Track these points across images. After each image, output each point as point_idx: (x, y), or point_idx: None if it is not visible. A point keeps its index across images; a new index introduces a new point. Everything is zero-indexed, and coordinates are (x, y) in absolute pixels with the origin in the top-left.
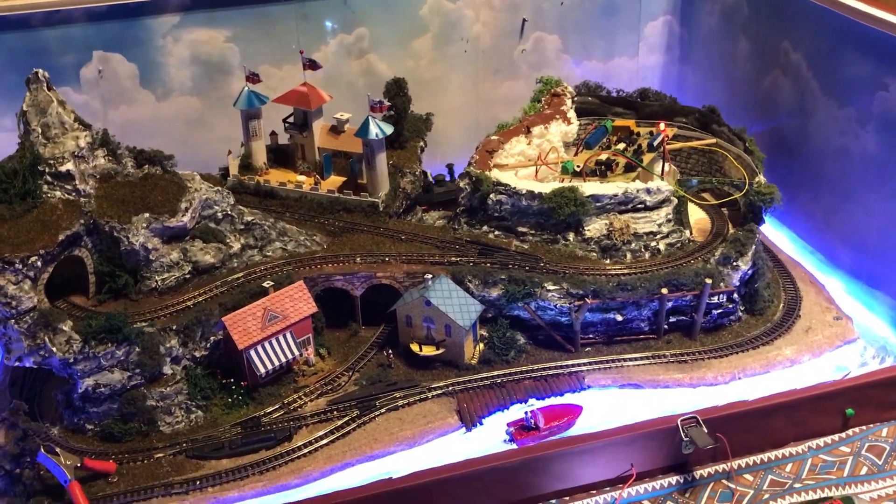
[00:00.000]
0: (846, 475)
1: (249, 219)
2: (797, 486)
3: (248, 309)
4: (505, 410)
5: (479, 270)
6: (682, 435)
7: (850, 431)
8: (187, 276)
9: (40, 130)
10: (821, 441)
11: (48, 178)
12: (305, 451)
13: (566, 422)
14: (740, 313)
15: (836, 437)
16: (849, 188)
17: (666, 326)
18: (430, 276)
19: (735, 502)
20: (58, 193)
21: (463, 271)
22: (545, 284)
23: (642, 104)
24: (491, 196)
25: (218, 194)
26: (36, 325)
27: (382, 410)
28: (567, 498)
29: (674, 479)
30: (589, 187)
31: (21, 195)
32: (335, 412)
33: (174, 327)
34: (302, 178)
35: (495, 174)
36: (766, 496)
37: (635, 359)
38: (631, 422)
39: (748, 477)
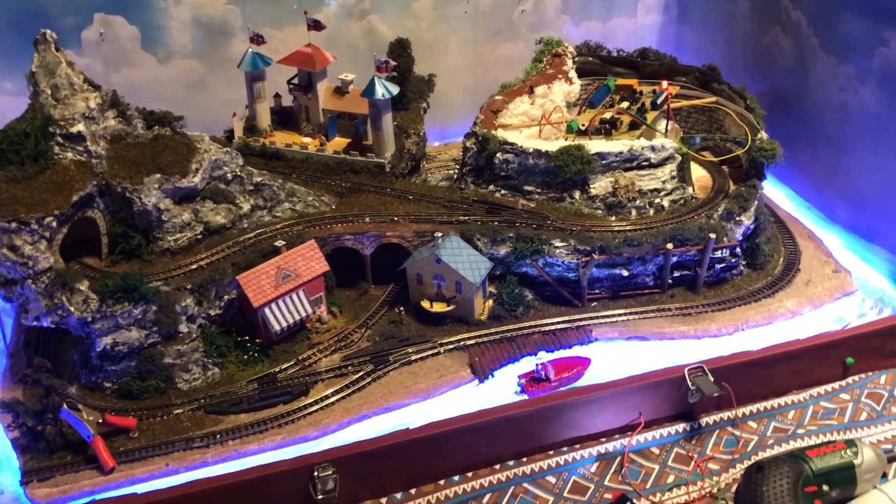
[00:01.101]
0: (847, 421)
1: (258, 180)
2: (800, 431)
3: (262, 268)
4: (515, 363)
5: (488, 228)
6: (689, 384)
7: (849, 379)
8: (199, 236)
9: (50, 92)
10: (821, 389)
11: (59, 139)
12: (322, 404)
13: (575, 373)
14: (742, 267)
15: (836, 385)
16: (847, 144)
17: (670, 281)
18: (440, 234)
19: (740, 447)
20: (69, 155)
21: (471, 229)
22: (553, 241)
23: (642, 63)
24: (497, 155)
25: (227, 155)
26: (53, 285)
27: (396, 365)
28: (577, 446)
29: (681, 427)
30: (595, 145)
31: (33, 157)
32: (350, 367)
33: (189, 286)
34: (307, 139)
35: (501, 134)
36: (771, 441)
37: (641, 312)
38: (638, 372)
39: (752, 424)
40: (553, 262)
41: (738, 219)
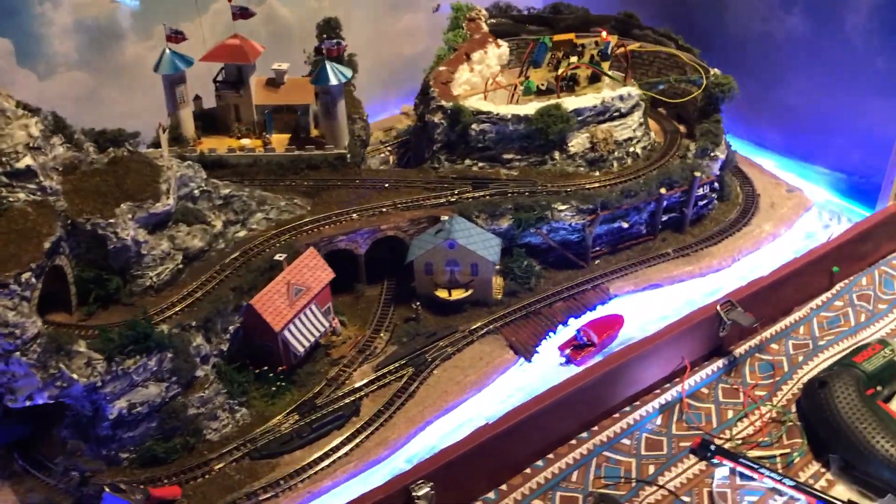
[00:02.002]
0: (853, 325)
1: (226, 192)
2: (821, 343)
3: (272, 287)
4: (552, 334)
5: (483, 204)
6: (724, 319)
7: (836, 288)
8: (180, 266)
9: None
10: (818, 301)
11: (3, 178)
12: (381, 420)
13: (615, 332)
14: (715, 201)
15: (827, 295)
16: (776, 73)
17: (659, 227)
18: (445, 217)
19: (776, 370)
20: (21, 195)
21: (469, 208)
22: (555, 206)
23: (556, 19)
24: (473, 126)
25: (190, 169)
26: (45, 352)
27: (436, 362)
28: (637, 403)
29: (718, 364)
30: (569, 102)
31: None
32: (388, 375)
33: (193, 323)
34: (246, 141)
35: (470, 104)
36: (800, 359)
37: (646, 261)
38: (666, 317)
39: (774, 346)
40: (558, 227)
41: (713, 154)
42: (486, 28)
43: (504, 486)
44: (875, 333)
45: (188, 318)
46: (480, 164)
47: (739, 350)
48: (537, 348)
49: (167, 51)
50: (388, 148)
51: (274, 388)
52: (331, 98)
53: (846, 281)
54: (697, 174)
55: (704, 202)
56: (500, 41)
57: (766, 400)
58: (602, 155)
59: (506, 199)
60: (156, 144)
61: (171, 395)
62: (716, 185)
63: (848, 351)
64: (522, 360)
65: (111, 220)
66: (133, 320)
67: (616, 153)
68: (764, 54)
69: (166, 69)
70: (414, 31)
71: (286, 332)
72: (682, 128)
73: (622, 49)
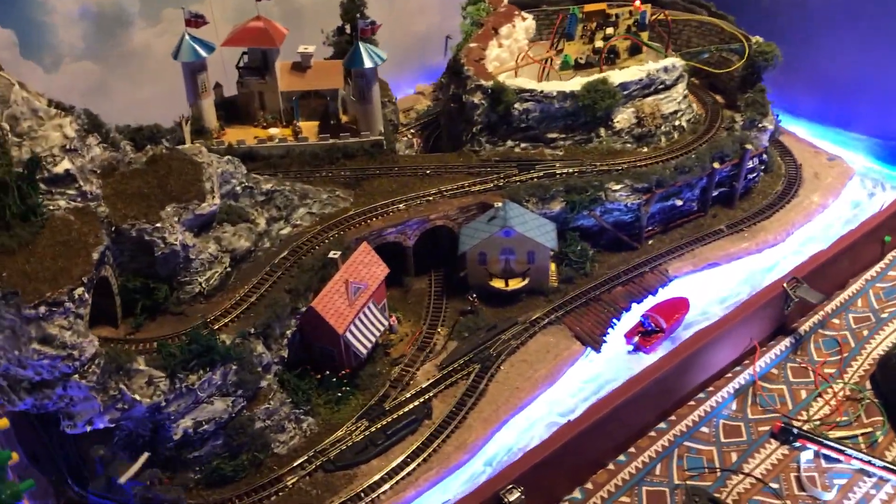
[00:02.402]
0: None
1: (268, 187)
2: (883, 315)
3: (331, 287)
4: (616, 322)
5: (533, 187)
6: (791, 296)
7: (888, 258)
8: (228, 269)
9: (7, 126)
10: (871, 272)
11: (41, 185)
12: (455, 422)
13: (681, 316)
14: (761, 173)
15: (879, 266)
16: (808, 35)
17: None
18: (499, 204)
19: (842, 347)
20: (61, 202)
21: (518, 192)
22: (608, 186)
23: None
24: (516, 106)
25: (230, 164)
26: (104, 373)
27: (502, 357)
28: (711, 388)
29: (785, 343)
30: (614, 76)
31: (21, 215)
32: (454, 373)
33: (252, 330)
34: (275, 130)
35: (515, 81)
36: (865, 333)
37: (702, 239)
38: (727, 297)
39: (835, 321)
40: (613, 208)
41: (761, 125)
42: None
43: (589, 485)
44: None
45: (246, 325)
46: (523, 145)
47: (804, 327)
48: (605, 337)
49: (187, 36)
50: (411, 130)
51: (339, 394)
52: (365, 82)
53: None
54: (748, 146)
55: (753, 175)
56: (524, 14)
57: (837, 377)
58: (650, 130)
59: (555, 181)
60: (177, 138)
61: (237, 409)
62: (764, 157)
63: None
64: (590, 350)
65: (157, 225)
66: (194, 332)
67: (663, 127)
68: (796, 16)
69: (187, 56)
70: (425, 7)
71: (348, 334)
72: (719, 98)
73: (661, 17)
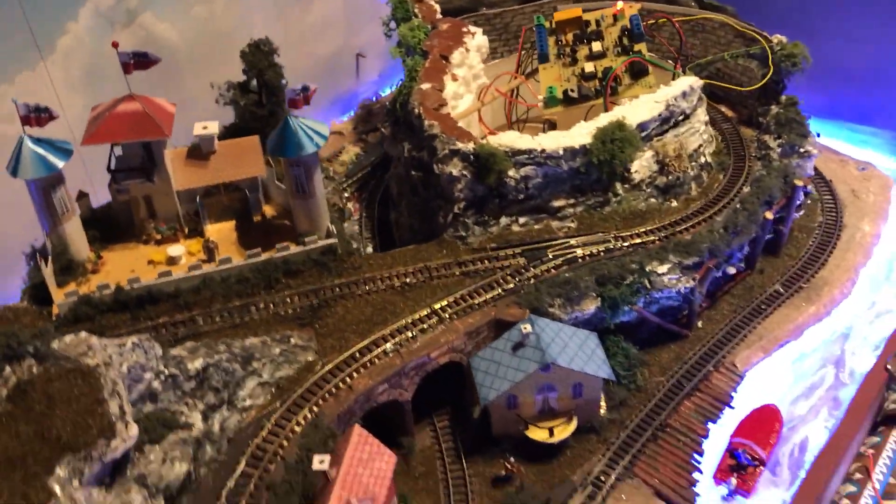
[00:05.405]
0: None
1: (195, 365)
2: None
3: None
4: (700, 459)
5: (555, 285)
6: None
7: None
8: None
9: None
10: None
11: None
12: None
13: (777, 434)
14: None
15: None
16: (816, 24)
17: None
18: (526, 326)
19: None
20: None
21: (539, 296)
22: (651, 268)
23: None
24: (510, 174)
25: (138, 350)
26: None
27: None
28: None
29: (894, 439)
30: (627, 114)
31: None
32: None
33: None
34: (177, 249)
35: (499, 141)
36: None
37: (759, 311)
38: (812, 387)
39: None
40: (660, 296)
41: (803, 150)
42: (436, 6)
43: None
44: None
45: None
46: (522, 221)
47: None
48: (695, 489)
49: (27, 142)
50: (346, 194)
51: None
52: (304, 171)
53: None
54: (798, 182)
55: (799, 213)
56: (472, 28)
57: None
58: (678, 177)
59: (581, 271)
60: (34, 284)
61: None
62: (810, 188)
63: None
64: None
65: None
66: None
67: (691, 170)
68: (824, 6)
69: (32, 172)
70: (330, 22)
71: None
72: (725, 110)
73: (662, 20)
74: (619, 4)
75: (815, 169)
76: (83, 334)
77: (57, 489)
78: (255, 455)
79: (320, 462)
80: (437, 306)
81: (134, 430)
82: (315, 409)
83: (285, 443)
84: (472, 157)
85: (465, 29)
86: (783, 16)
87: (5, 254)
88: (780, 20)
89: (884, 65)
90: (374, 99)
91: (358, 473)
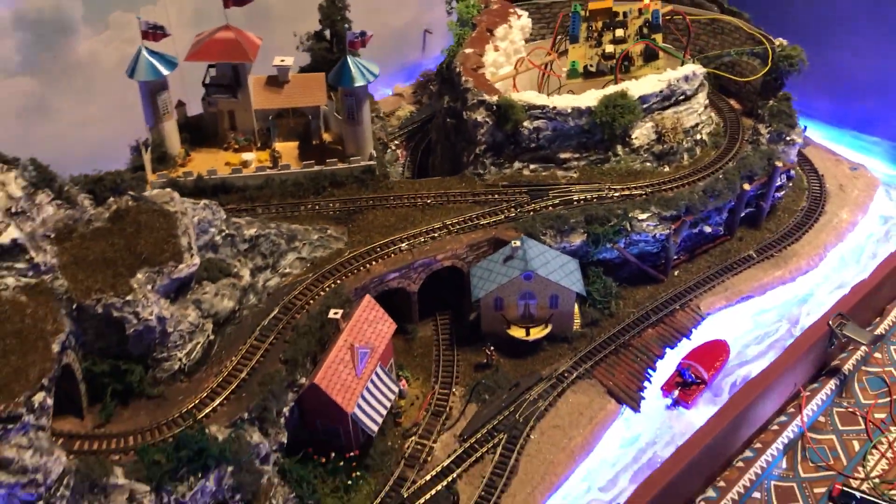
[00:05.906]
0: None
1: (251, 232)
2: None
3: (335, 356)
4: (652, 373)
5: (550, 218)
6: (839, 336)
7: None
8: (210, 337)
9: None
10: None
11: None
12: None
13: (722, 363)
14: (788, 189)
15: None
16: (826, 35)
17: None
18: (516, 243)
19: (891, 387)
20: (9, 280)
21: (533, 224)
22: (633, 214)
23: None
24: (525, 124)
25: (207, 210)
26: (76, 494)
27: (531, 423)
28: (758, 445)
29: (830, 385)
30: (633, 87)
31: None
32: (477, 445)
33: (245, 416)
34: (249, 155)
35: (520, 97)
36: None
37: (731, 269)
38: (766, 336)
39: (877, 355)
40: (638, 239)
41: (788, 138)
42: None
43: None
44: None
45: (238, 409)
46: (533, 167)
47: (847, 366)
48: (642, 393)
49: (144, 51)
50: (395, 141)
51: (349, 482)
52: (355, 101)
53: None
54: (778, 163)
55: (780, 193)
56: (518, 10)
57: (890, 424)
58: (672, 147)
59: (574, 210)
60: (136, 167)
61: None
62: (792, 172)
63: None
64: (626, 408)
65: (128, 298)
66: (184, 434)
67: (685, 143)
68: (810, 15)
69: (145, 74)
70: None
71: (357, 410)
72: (734, 103)
73: (677, 16)
74: (646, 0)
75: (810, 163)
76: (168, 189)
77: (135, 287)
78: (287, 306)
79: (334, 313)
80: (448, 222)
81: (196, 259)
82: (338, 281)
83: (312, 301)
84: (494, 107)
85: (512, 10)
86: (798, 28)
87: (116, 145)
88: (795, 31)
89: (888, 79)
90: (434, 70)
91: (363, 329)
